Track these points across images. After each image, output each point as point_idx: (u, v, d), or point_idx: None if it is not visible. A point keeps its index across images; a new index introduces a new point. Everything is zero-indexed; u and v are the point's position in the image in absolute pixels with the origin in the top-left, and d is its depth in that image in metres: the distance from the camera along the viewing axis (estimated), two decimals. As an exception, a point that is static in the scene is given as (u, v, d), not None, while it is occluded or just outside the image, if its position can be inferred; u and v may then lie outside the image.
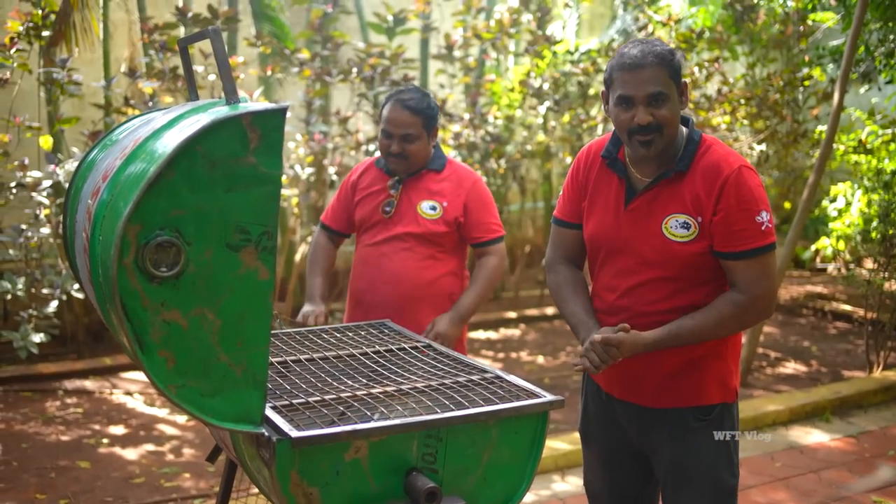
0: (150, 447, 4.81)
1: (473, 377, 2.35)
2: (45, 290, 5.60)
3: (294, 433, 1.89)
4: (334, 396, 2.17)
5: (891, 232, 6.12)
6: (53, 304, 5.58)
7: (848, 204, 8.88)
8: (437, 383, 2.28)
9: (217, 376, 1.84)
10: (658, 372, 2.47)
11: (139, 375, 6.09)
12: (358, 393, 2.20)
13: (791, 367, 6.49)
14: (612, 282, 2.50)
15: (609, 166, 2.52)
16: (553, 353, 6.83)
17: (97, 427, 5.09)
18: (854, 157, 8.54)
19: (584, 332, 2.47)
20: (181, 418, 5.27)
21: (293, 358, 2.53)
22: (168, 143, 1.81)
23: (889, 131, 8.51)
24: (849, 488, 4.37)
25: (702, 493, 2.50)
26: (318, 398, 2.16)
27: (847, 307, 8.10)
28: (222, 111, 1.88)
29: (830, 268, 10.00)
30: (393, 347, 2.66)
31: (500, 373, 2.37)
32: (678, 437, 2.50)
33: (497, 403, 2.14)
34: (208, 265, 1.79)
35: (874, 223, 6.68)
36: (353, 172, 3.58)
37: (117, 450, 4.76)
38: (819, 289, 8.99)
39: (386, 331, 2.91)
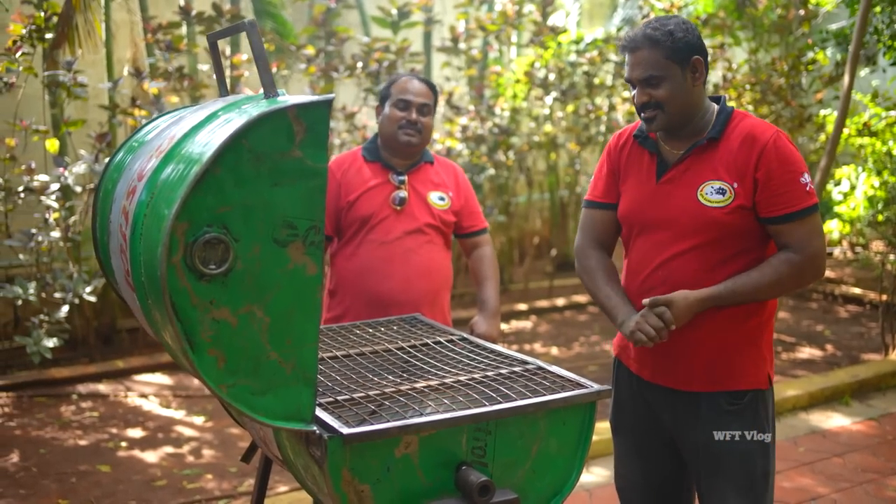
0: (169, 449, 4.78)
1: (515, 369, 2.32)
2: (56, 295, 5.56)
3: (345, 430, 1.86)
4: (378, 392, 2.14)
5: (901, 214, 6.10)
6: (65, 309, 5.54)
7: (853, 187, 8.87)
8: (480, 376, 2.25)
9: (267, 374, 1.80)
10: (692, 356, 2.45)
11: (153, 378, 6.06)
12: (402, 388, 2.17)
13: (807, 352, 6.47)
14: (646, 257, 2.48)
15: (641, 144, 2.55)
16: (566, 344, 6.81)
17: (114, 430, 5.06)
18: (858, 141, 8.53)
19: (621, 315, 2.45)
20: (198, 420, 5.24)
21: (329, 354, 2.50)
22: (211, 140, 1.77)
23: (892, 113, 8.49)
24: (874, 471, 4.35)
25: (736, 480, 2.46)
26: (362, 394, 2.13)
27: (857, 290, 8.09)
28: (264, 104, 1.85)
29: (837, 251, 10.00)
30: (428, 341, 2.62)
31: (542, 363, 2.34)
32: (711, 421, 2.46)
33: (544, 395, 2.11)
34: (256, 261, 1.76)
35: (879, 206, 6.67)
36: (335, 170, 3.29)
37: (137, 453, 4.73)
38: (827, 272, 8.97)
39: (418, 324, 2.88)
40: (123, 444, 4.85)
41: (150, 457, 4.67)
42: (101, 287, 5.79)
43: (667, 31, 2.37)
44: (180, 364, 2.05)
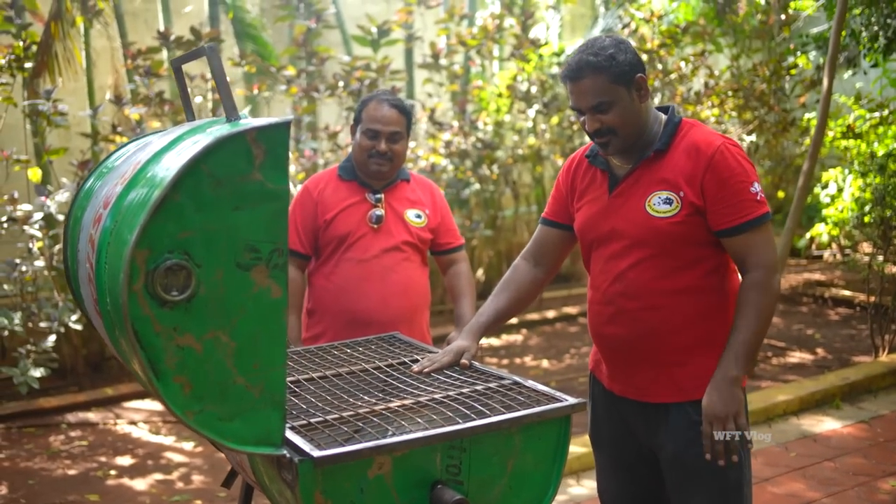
0: (158, 476, 4.75)
1: (491, 385, 2.30)
2: (42, 324, 5.54)
3: (316, 453, 1.85)
4: (352, 413, 2.13)
5: (888, 214, 6.11)
6: (51, 338, 5.51)
7: (840, 189, 8.89)
8: (455, 393, 2.24)
9: (234, 399, 1.79)
10: (651, 363, 2.44)
11: (142, 404, 6.03)
12: (376, 408, 2.16)
13: (797, 356, 6.46)
14: (604, 269, 2.49)
15: (592, 163, 2.57)
16: (557, 357, 6.79)
17: (103, 459, 5.03)
18: (843, 143, 8.55)
19: (462, 332, 2.67)
20: (188, 445, 5.21)
21: (306, 377, 2.48)
22: (171, 165, 1.77)
23: (876, 115, 8.52)
24: (866, 474, 4.33)
25: (707, 491, 2.44)
26: (336, 415, 2.12)
27: (847, 293, 8.10)
28: (224, 129, 1.85)
29: (826, 254, 10.00)
30: (406, 360, 2.61)
31: (518, 379, 2.33)
32: (681, 433, 2.44)
33: (518, 410, 2.10)
34: (220, 286, 1.75)
35: (867, 207, 6.68)
36: (311, 190, 3.31)
37: (126, 481, 4.70)
38: (817, 276, 8.99)
39: (396, 343, 2.87)
40: (112, 472, 4.82)
41: (140, 484, 4.64)
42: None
43: (608, 55, 2.35)
44: (147, 390, 2.04)
